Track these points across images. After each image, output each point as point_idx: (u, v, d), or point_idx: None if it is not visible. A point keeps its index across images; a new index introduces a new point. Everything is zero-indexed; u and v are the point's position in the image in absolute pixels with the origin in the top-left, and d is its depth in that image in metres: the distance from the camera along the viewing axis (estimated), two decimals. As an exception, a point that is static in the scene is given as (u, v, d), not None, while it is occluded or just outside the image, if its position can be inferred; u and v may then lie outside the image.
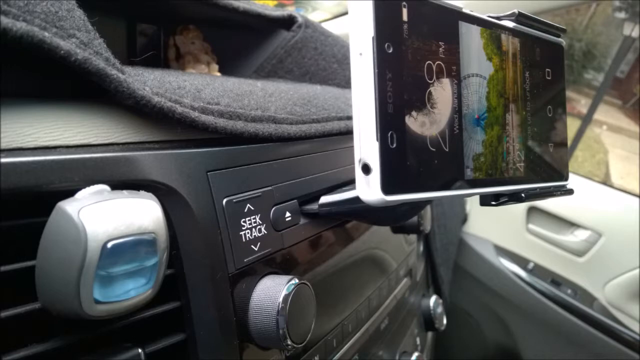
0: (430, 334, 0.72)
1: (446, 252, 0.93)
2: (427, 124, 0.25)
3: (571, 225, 1.00)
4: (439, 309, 0.67)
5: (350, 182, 0.43)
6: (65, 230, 0.20)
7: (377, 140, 0.22)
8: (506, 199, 0.30)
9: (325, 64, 0.62)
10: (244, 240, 0.32)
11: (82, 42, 0.26)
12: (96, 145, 0.26)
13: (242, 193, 0.32)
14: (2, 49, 0.22)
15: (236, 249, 0.31)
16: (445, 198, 0.31)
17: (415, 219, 0.52)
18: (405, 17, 0.24)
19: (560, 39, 0.35)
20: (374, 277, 0.50)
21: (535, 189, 0.32)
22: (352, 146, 0.23)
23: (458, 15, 0.27)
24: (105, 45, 0.28)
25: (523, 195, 0.30)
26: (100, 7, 0.49)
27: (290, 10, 0.60)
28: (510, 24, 0.31)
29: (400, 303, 0.57)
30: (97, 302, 0.21)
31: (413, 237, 0.65)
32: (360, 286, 0.46)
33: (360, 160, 0.23)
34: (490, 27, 0.29)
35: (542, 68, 0.33)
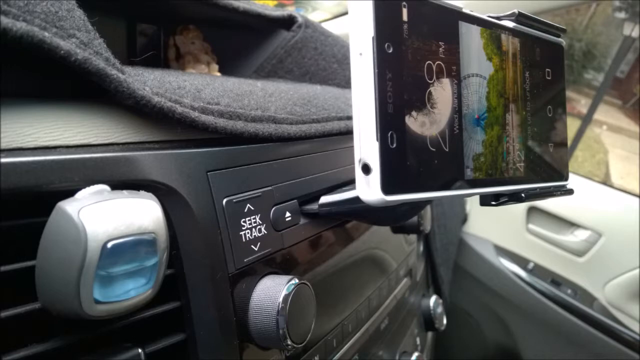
0: (430, 334, 0.72)
1: (446, 252, 0.93)
2: (427, 124, 0.25)
3: (571, 225, 1.00)
4: (439, 309, 0.67)
5: (350, 182, 0.43)
6: (65, 230, 0.20)
7: (377, 140, 0.22)
8: (506, 199, 0.30)
9: (325, 64, 0.62)
10: (244, 240, 0.32)
11: (82, 42, 0.26)
12: (96, 145, 0.26)
13: (242, 193, 0.32)
14: (2, 49, 0.22)
15: (236, 249, 0.31)
16: (445, 198, 0.31)
17: (415, 219, 0.52)
18: (405, 17, 0.24)
19: (560, 39, 0.35)
20: (374, 277, 0.50)
21: (535, 189, 0.32)
22: (352, 146, 0.23)
23: (458, 15, 0.27)
24: (105, 45, 0.28)
25: (523, 195, 0.30)
26: (100, 7, 0.49)
27: (290, 10, 0.60)
28: (510, 24, 0.31)
29: (400, 303, 0.57)
30: (97, 302, 0.21)
31: (413, 237, 0.65)
32: (360, 286, 0.46)
33: (360, 160, 0.23)
34: (490, 27, 0.29)
35: (542, 68, 0.33)
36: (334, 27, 0.74)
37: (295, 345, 0.31)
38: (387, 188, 0.22)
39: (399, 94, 0.23)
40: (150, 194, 0.24)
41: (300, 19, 0.59)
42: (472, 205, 1.10)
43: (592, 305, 0.93)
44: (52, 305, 0.21)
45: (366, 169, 0.23)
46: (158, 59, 0.59)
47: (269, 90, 0.40)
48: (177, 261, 0.28)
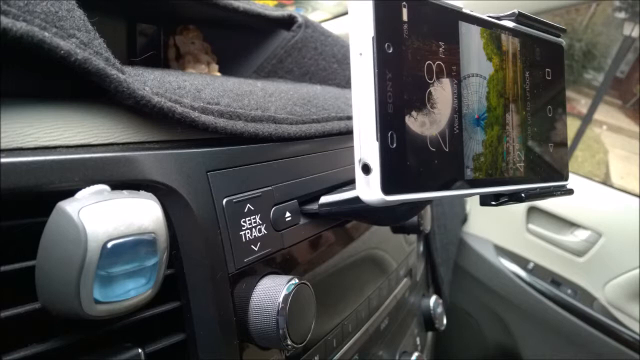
0: (430, 334, 0.72)
1: (446, 252, 0.93)
2: (427, 124, 0.25)
3: (571, 225, 1.00)
4: (439, 309, 0.67)
5: (350, 182, 0.43)
6: (65, 230, 0.20)
7: (377, 140, 0.22)
8: (506, 199, 0.30)
9: (325, 64, 0.62)
10: (244, 240, 0.32)
11: (82, 42, 0.26)
12: (96, 145, 0.26)
13: (242, 193, 0.32)
14: (2, 49, 0.22)
15: (236, 249, 0.31)
16: (445, 198, 0.31)
17: (415, 219, 0.52)
18: (405, 17, 0.24)
19: (560, 39, 0.35)
20: (374, 277, 0.50)
21: (535, 189, 0.32)
22: (352, 146, 0.23)
23: (458, 15, 0.27)
24: (105, 45, 0.28)
25: (523, 195, 0.30)
26: (100, 7, 0.49)
27: (290, 10, 0.60)
28: (510, 24, 0.31)
29: (400, 303, 0.57)
30: (97, 302, 0.21)
31: (413, 237, 0.65)
32: (360, 286, 0.46)
33: (360, 160, 0.23)
34: (490, 27, 0.29)
35: (542, 68, 0.33)
36: (334, 27, 0.74)
37: (295, 345, 0.31)
38: (387, 188, 0.22)
39: (399, 94, 0.23)
40: (150, 194, 0.24)
41: (300, 19, 0.59)
42: (472, 205, 1.10)
43: (592, 305, 0.93)
44: (52, 305, 0.21)
45: (366, 169, 0.23)
46: (158, 59, 0.59)
47: (269, 90, 0.40)
48: (177, 261, 0.28)
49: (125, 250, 0.21)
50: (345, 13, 0.99)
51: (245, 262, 0.32)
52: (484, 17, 0.29)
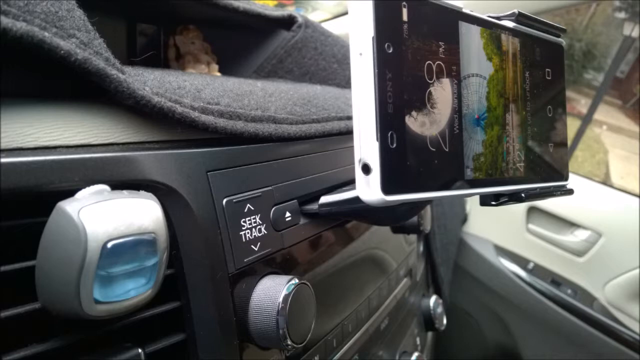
0: (430, 334, 0.73)
1: (446, 252, 0.93)
2: (427, 124, 0.25)
3: (571, 225, 1.00)
4: (439, 309, 0.67)
5: (350, 182, 0.43)
6: (65, 230, 0.20)
7: (377, 140, 0.22)
8: (506, 199, 0.30)
9: (325, 64, 0.62)
10: (244, 240, 0.32)
11: (82, 42, 0.26)
12: (96, 145, 0.26)
13: (242, 193, 0.32)
14: (2, 49, 0.22)
15: (236, 249, 0.31)
16: (445, 198, 0.31)
17: (415, 219, 0.52)
18: (405, 17, 0.24)
19: (560, 39, 0.35)
20: (374, 277, 0.50)
21: (535, 189, 0.32)
22: (352, 146, 0.23)
23: (458, 15, 0.27)
24: (105, 45, 0.28)
25: (523, 195, 0.30)
26: (100, 7, 0.49)
27: (290, 10, 0.60)
28: (510, 24, 0.31)
29: (400, 303, 0.57)
30: (97, 302, 0.21)
31: (413, 237, 0.65)
32: (360, 286, 0.46)
33: (360, 160, 0.23)
34: (490, 27, 0.29)
35: (542, 68, 0.33)
36: (334, 27, 0.74)
37: (295, 345, 0.31)
38: (387, 188, 0.22)
39: (399, 94, 0.23)
40: (150, 194, 0.24)
41: (300, 19, 0.59)
42: (472, 205, 1.10)
43: (592, 305, 0.93)
44: (52, 305, 0.21)
45: (366, 169, 0.23)
46: (158, 59, 0.59)
47: (269, 90, 0.40)
48: (177, 261, 0.28)
49: (125, 250, 0.21)
50: (345, 13, 0.99)
51: (245, 262, 0.32)
52: (484, 17, 0.29)
